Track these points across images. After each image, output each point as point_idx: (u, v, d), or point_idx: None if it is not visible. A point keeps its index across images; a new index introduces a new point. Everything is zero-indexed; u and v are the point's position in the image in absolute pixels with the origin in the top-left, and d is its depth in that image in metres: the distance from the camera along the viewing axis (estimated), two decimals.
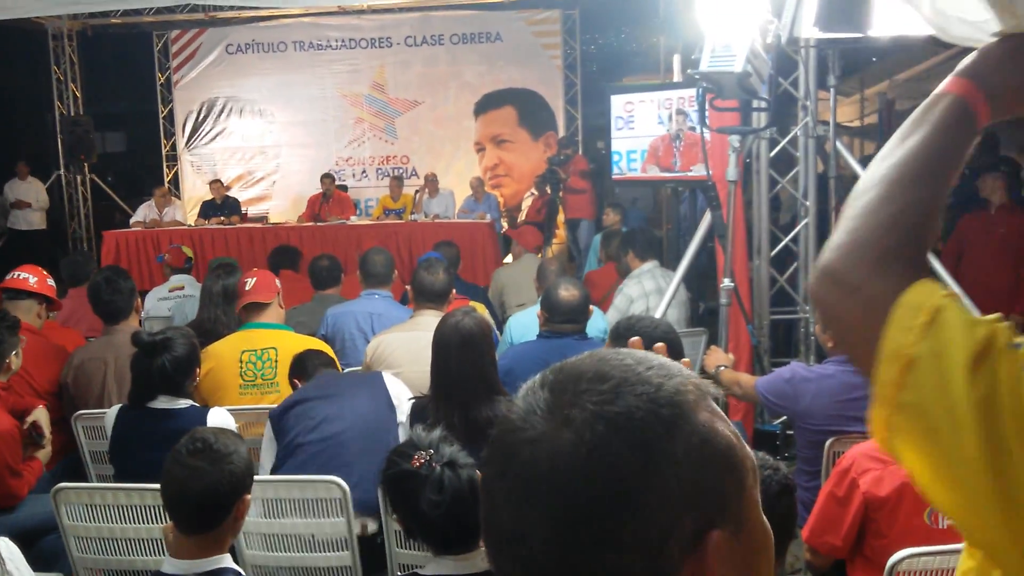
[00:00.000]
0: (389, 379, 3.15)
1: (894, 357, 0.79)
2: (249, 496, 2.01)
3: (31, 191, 10.98)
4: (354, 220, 10.04)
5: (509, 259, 10.78)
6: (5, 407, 3.35)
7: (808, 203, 4.65)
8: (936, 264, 4.59)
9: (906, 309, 0.80)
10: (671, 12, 9.80)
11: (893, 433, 0.80)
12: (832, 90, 4.46)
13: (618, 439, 0.66)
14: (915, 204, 0.87)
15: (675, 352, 2.45)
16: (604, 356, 0.74)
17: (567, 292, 3.52)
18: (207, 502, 1.91)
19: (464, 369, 2.72)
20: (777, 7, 3.70)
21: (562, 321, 3.49)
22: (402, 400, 3.06)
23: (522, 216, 11.62)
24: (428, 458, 1.83)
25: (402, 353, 3.59)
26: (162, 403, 2.93)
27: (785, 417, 4.02)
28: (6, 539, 2.02)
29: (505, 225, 11.14)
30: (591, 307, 4.18)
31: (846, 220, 0.90)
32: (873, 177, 0.90)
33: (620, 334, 2.38)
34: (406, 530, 1.99)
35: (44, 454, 3.47)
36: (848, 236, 0.88)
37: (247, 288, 3.73)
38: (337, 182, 10.95)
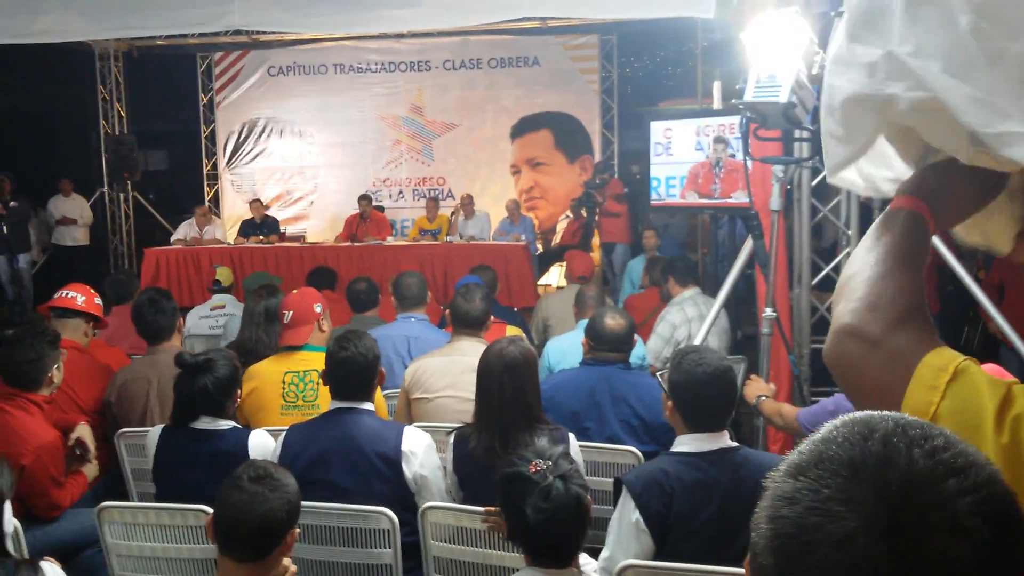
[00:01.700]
0: (407, 442, 2.85)
1: (919, 413, 0.84)
2: (297, 530, 2.02)
3: (75, 208, 11.19)
4: (390, 241, 10.11)
5: (545, 280, 10.82)
6: (49, 421, 3.41)
7: (850, 232, 4.60)
8: (979, 294, 4.52)
9: (929, 369, 0.91)
10: (709, 37, 9.83)
11: None
12: None
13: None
14: (910, 281, 1.04)
15: (732, 384, 2.46)
16: (905, 439, 0.71)
17: (614, 321, 3.52)
18: (265, 528, 1.92)
19: (506, 396, 2.74)
20: (822, 38, 3.69)
21: (607, 349, 3.49)
22: (417, 451, 2.85)
23: (557, 239, 11.64)
24: (544, 467, 1.95)
25: (439, 378, 3.61)
26: (204, 424, 2.96)
27: None
28: (52, 563, 2.04)
29: (540, 247, 11.16)
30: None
31: (852, 291, 1.05)
32: (866, 261, 1.09)
33: (681, 368, 2.40)
34: (508, 532, 2.06)
35: (90, 470, 3.51)
36: (861, 302, 1.03)
37: (285, 322, 3.76)
38: (374, 203, 11.05)
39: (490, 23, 5.93)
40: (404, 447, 2.78)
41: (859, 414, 0.75)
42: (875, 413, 0.74)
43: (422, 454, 2.81)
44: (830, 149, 1.25)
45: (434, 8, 5.11)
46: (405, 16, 5.29)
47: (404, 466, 2.77)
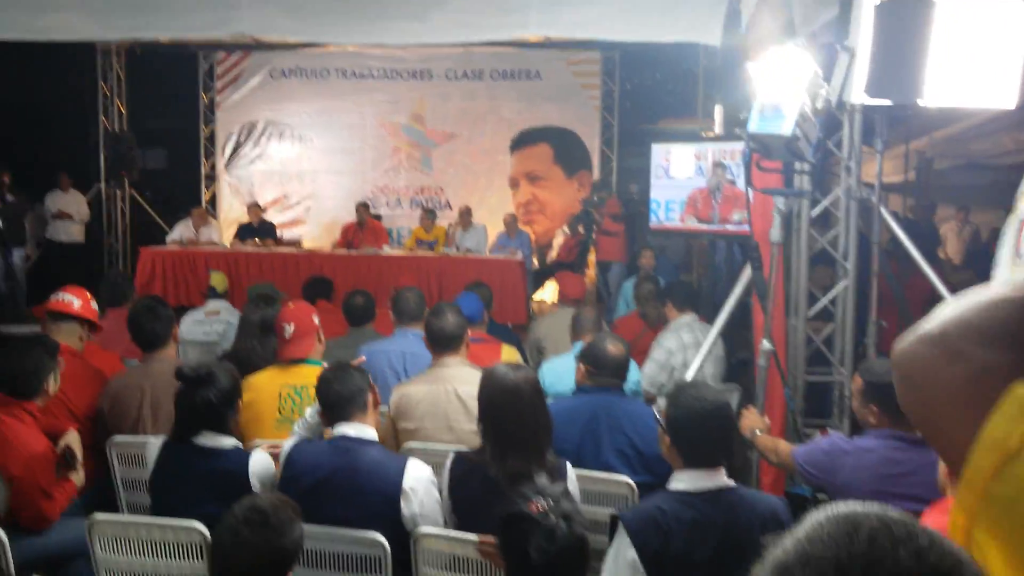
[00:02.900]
0: (409, 478, 2.82)
1: (996, 446, 0.78)
2: (291, 573, 2.01)
3: (72, 203, 11.13)
4: (387, 250, 10.11)
5: (540, 295, 10.82)
6: (40, 428, 3.38)
7: (848, 265, 4.62)
8: None
9: (1017, 401, 0.80)
10: (711, 60, 9.87)
11: (975, 522, 0.79)
12: (879, 156, 4.44)
13: None
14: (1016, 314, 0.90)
15: (730, 421, 2.46)
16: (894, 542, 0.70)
17: (614, 347, 3.52)
18: (252, 574, 1.91)
19: (512, 427, 2.71)
20: (827, 71, 3.72)
21: (609, 375, 3.48)
22: (418, 488, 2.83)
23: (552, 254, 11.65)
24: (547, 507, 1.93)
25: (424, 408, 3.56)
26: (206, 439, 2.94)
27: None
28: None
29: (536, 263, 11.17)
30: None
31: (947, 307, 0.92)
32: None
33: (680, 403, 2.39)
34: (508, 571, 2.05)
35: (78, 478, 3.49)
36: (954, 314, 0.90)
37: (286, 336, 3.74)
38: (371, 210, 11.04)
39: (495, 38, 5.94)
40: (406, 485, 2.76)
41: (842, 508, 0.74)
42: (858, 509, 0.73)
43: (423, 492, 2.79)
44: None
45: (442, 23, 5.11)
46: (413, 29, 5.30)
47: (403, 504, 2.75)
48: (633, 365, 4.52)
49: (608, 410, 3.41)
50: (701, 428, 2.37)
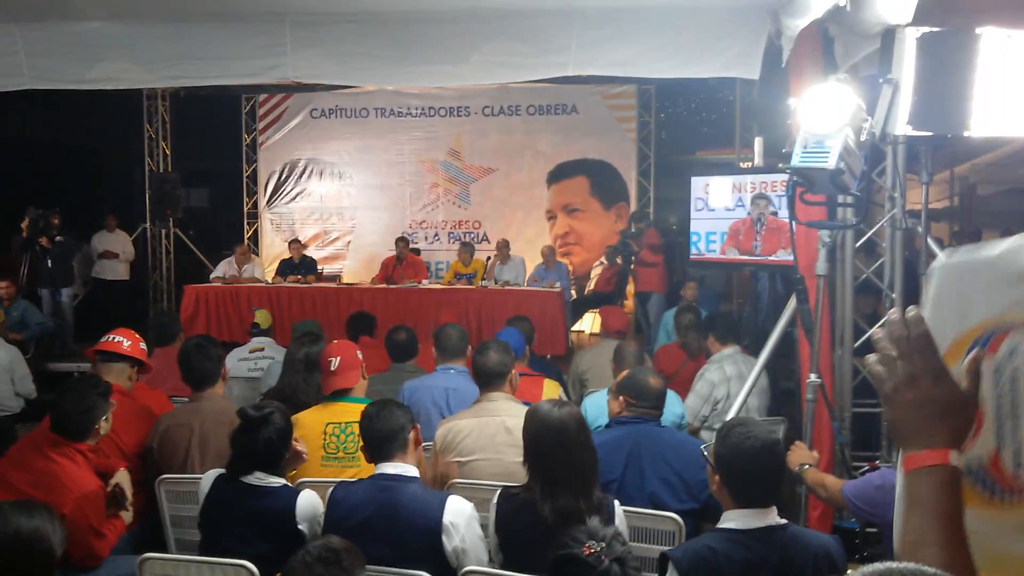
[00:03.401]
0: (449, 512, 2.81)
1: None
2: None
3: (118, 243, 11.37)
4: (426, 284, 10.17)
5: (579, 327, 10.80)
6: (91, 468, 3.44)
7: (895, 294, 4.56)
8: None
9: None
10: (747, 90, 9.87)
11: None
12: (925, 187, 4.40)
13: None
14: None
15: (781, 458, 2.44)
16: None
17: (655, 379, 3.58)
18: None
19: (558, 463, 2.72)
20: (870, 103, 3.70)
21: (650, 407, 3.52)
22: (459, 523, 2.82)
23: (591, 285, 11.63)
24: (599, 550, 1.93)
25: (471, 441, 3.58)
26: (257, 479, 2.97)
27: None
28: None
29: (574, 293, 11.17)
30: (670, 391, 4.16)
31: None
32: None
33: (729, 442, 2.36)
34: None
35: (127, 516, 3.53)
36: None
37: (332, 369, 3.78)
38: (410, 245, 11.14)
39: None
40: (446, 519, 2.76)
41: (879, 567, 0.83)
42: (894, 566, 0.82)
43: (463, 527, 2.79)
44: None
45: (481, 64, 5.18)
46: (454, 72, 5.37)
47: (444, 539, 2.75)
48: (676, 397, 4.51)
49: (650, 440, 3.42)
50: (751, 466, 2.35)
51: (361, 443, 3.50)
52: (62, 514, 3.13)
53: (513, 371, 3.85)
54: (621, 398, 3.62)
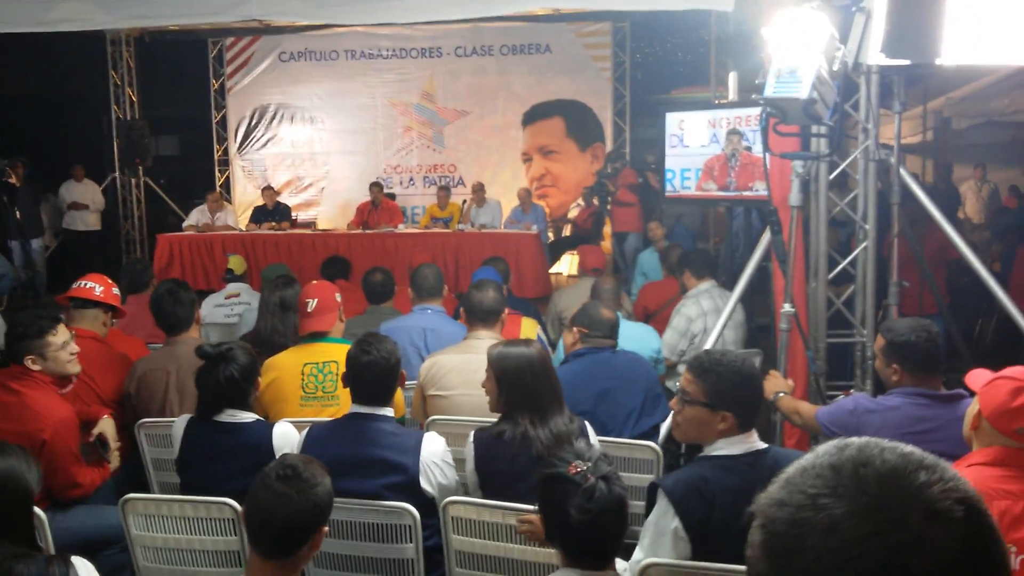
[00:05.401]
0: (425, 454, 2.85)
1: None
2: (327, 528, 2.04)
3: (87, 193, 11.21)
4: (402, 228, 10.13)
5: (557, 268, 10.82)
6: (58, 393, 3.38)
7: (868, 226, 4.58)
8: (995, 287, 4.50)
9: None
10: (723, 27, 9.77)
11: None
12: (897, 117, 4.38)
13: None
14: None
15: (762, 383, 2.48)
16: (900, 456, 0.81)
17: (607, 311, 3.71)
18: (290, 528, 1.94)
19: (535, 393, 2.81)
20: (843, 32, 3.67)
21: (602, 336, 3.63)
22: (435, 461, 2.87)
23: (568, 228, 11.63)
24: (585, 468, 1.98)
25: (455, 376, 3.62)
26: (228, 416, 2.98)
27: None
28: (84, 560, 2.06)
29: (551, 236, 11.16)
30: (646, 326, 4.19)
31: None
32: None
33: (705, 368, 2.37)
34: (547, 533, 2.09)
35: (114, 460, 3.52)
36: None
37: (308, 310, 3.77)
38: (385, 190, 11.05)
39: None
40: (422, 456, 2.80)
41: (836, 440, 0.86)
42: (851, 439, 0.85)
43: (440, 462, 2.85)
44: None
45: None
46: (420, 7, 5.27)
47: (421, 478, 2.79)
48: (653, 332, 4.55)
49: (611, 367, 3.58)
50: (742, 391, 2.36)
51: (340, 381, 3.53)
52: (43, 440, 3.11)
53: (506, 310, 3.89)
54: (575, 329, 3.73)
